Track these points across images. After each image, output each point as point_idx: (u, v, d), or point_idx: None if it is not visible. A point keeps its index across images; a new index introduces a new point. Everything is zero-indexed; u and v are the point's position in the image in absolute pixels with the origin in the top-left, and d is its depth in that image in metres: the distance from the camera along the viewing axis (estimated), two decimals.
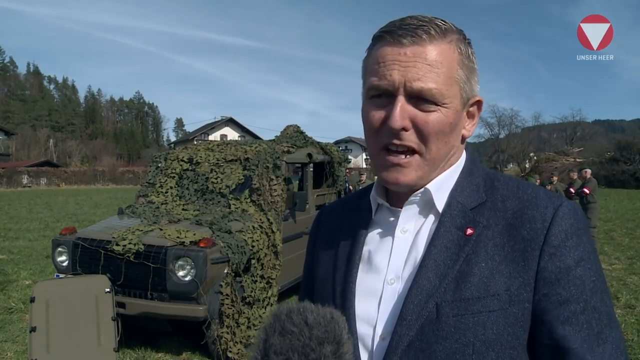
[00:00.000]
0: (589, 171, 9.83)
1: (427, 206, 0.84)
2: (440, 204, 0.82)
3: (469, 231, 0.78)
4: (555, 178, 11.84)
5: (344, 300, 0.84)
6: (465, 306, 0.74)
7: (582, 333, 0.74)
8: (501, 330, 0.73)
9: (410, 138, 0.77)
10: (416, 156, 0.78)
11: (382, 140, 0.78)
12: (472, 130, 0.85)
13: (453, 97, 0.77)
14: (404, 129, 0.76)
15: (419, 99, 0.75)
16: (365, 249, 0.87)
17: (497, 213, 0.80)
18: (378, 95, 0.78)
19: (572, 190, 9.96)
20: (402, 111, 0.75)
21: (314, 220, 1.05)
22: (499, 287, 0.74)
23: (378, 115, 0.78)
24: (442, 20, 0.78)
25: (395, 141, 0.77)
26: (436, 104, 0.76)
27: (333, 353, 0.61)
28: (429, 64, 0.75)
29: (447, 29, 0.77)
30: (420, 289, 0.77)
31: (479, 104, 0.84)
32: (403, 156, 0.78)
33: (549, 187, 10.15)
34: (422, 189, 0.83)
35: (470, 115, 0.84)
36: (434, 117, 0.76)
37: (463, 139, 0.84)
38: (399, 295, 0.79)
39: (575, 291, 0.75)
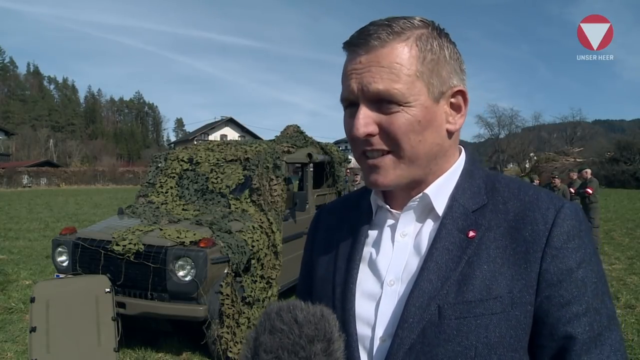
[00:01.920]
0: (589, 171, 9.79)
1: (426, 210, 0.83)
2: (440, 207, 0.82)
3: (471, 234, 0.78)
4: (556, 180, 11.82)
5: (343, 301, 0.83)
6: (467, 309, 0.74)
7: (583, 335, 0.73)
8: (504, 332, 0.73)
9: (379, 142, 0.77)
10: (389, 156, 0.78)
11: (358, 148, 0.80)
12: (460, 122, 0.81)
13: (417, 94, 0.75)
14: (370, 135, 0.77)
15: (380, 102, 0.76)
16: (366, 250, 0.87)
17: (498, 215, 0.79)
18: (350, 106, 0.80)
19: (572, 190, 9.95)
20: (364, 118, 0.76)
21: (313, 219, 1.05)
22: (502, 290, 0.74)
23: (350, 124, 0.79)
24: (403, 19, 0.78)
25: (367, 147, 0.78)
26: (398, 104, 0.75)
27: (323, 351, 0.60)
28: (382, 66, 0.75)
29: (403, 28, 0.77)
30: (421, 291, 0.76)
31: (462, 94, 0.81)
32: (379, 157, 0.78)
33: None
34: (421, 194, 0.82)
35: (455, 107, 0.81)
36: (398, 118, 0.75)
37: (450, 133, 0.81)
38: (399, 297, 0.79)
39: (577, 293, 0.74)
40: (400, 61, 0.75)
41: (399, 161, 0.78)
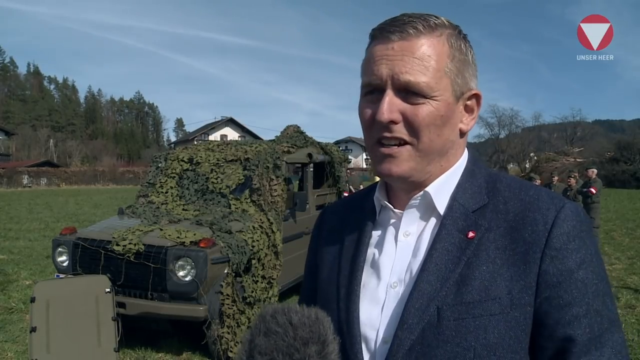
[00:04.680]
0: (595, 171, 9.69)
1: (429, 209, 0.83)
2: (441, 206, 0.82)
3: (471, 234, 0.78)
4: (555, 178, 11.81)
5: (348, 303, 0.83)
6: (466, 310, 0.74)
7: (583, 337, 0.73)
8: (502, 334, 0.73)
9: (400, 130, 0.77)
10: (407, 146, 0.78)
11: (375, 135, 0.79)
12: (472, 124, 0.84)
13: (443, 89, 0.76)
14: (393, 122, 0.76)
15: (407, 92, 0.76)
16: (370, 251, 0.87)
17: (499, 215, 0.79)
18: (371, 92, 0.79)
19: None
20: (390, 104, 0.76)
21: (316, 219, 1.05)
22: (501, 291, 0.74)
23: (370, 110, 0.79)
24: (435, 16, 0.79)
25: (386, 134, 0.77)
26: (425, 97, 0.76)
27: (318, 353, 0.61)
28: (416, 57, 0.75)
29: (437, 24, 0.78)
30: (421, 292, 0.76)
31: (477, 97, 0.83)
32: (395, 147, 0.78)
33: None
34: (422, 192, 0.82)
35: (469, 110, 0.83)
36: (423, 110, 0.76)
37: (462, 133, 0.83)
38: (400, 299, 0.79)
39: (577, 294, 0.74)
40: (433, 55, 0.76)
41: (414, 153, 0.78)
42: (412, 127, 0.77)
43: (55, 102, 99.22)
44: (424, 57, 0.75)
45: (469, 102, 0.82)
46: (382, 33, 0.78)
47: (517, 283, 0.74)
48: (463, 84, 0.79)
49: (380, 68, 0.76)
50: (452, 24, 0.81)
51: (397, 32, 0.76)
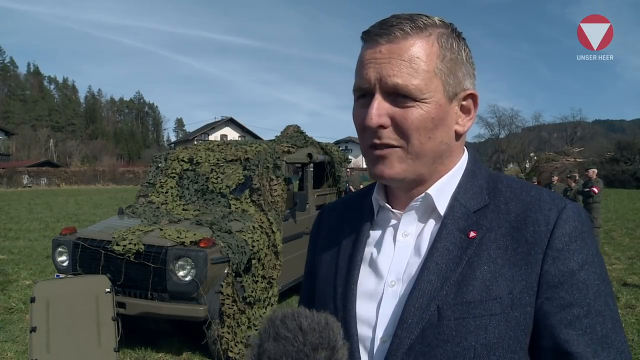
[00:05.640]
0: (595, 171, 9.67)
1: (429, 210, 0.83)
2: (442, 207, 0.81)
3: (472, 234, 0.78)
4: (555, 178, 11.80)
5: (345, 302, 0.83)
6: (467, 309, 0.74)
7: (585, 337, 0.73)
8: (503, 334, 0.73)
9: (389, 135, 0.76)
10: (398, 149, 0.77)
11: (367, 140, 0.79)
12: (468, 125, 0.82)
13: (434, 91, 0.75)
14: (382, 127, 0.76)
15: (396, 95, 0.75)
16: (367, 250, 0.86)
17: (500, 216, 0.79)
18: (362, 96, 0.79)
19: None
20: (378, 109, 0.75)
21: (315, 219, 1.05)
22: (502, 291, 0.74)
23: (362, 114, 0.78)
24: (425, 16, 0.78)
25: (375, 140, 0.77)
26: (414, 100, 0.74)
27: (327, 359, 0.60)
28: (404, 59, 0.74)
29: (426, 24, 0.76)
30: (421, 291, 0.76)
31: (473, 97, 0.81)
32: (386, 149, 0.78)
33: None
34: (423, 194, 0.82)
35: (465, 110, 0.81)
36: (412, 113, 0.75)
37: (458, 135, 0.81)
38: (399, 298, 0.79)
39: (579, 295, 0.74)
40: (421, 56, 0.75)
41: (405, 156, 0.78)
42: (401, 130, 0.76)
43: (55, 102, 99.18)
44: (412, 59, 0.74)
45: (464, 103, 0.81)
46: (371, 36, 0.77)
47: (519, 283, 0.74)
48: (456, 84, 0.78)
49: (369, 72, 0.76)
50: (444, 23, 0.79)
51: (384, 35, 0.75)
